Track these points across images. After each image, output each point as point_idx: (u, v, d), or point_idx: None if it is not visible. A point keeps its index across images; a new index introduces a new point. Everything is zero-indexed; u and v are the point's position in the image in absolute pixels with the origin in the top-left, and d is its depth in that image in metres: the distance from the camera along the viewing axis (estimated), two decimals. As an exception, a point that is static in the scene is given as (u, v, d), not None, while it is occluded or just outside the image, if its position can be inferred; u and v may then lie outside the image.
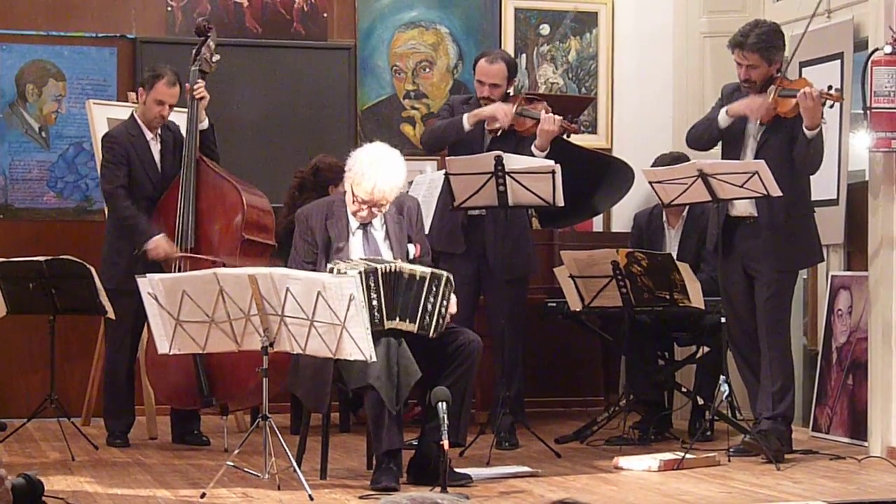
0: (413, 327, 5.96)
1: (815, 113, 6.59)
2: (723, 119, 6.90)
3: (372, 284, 5.83)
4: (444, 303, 6.01)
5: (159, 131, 7.41)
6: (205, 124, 7.41)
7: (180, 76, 7.38)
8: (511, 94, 7.47)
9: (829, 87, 6.60)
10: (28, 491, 5.35)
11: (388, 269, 5.91)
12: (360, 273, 5.74)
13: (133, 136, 7.35)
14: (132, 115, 7.43)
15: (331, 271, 5.85)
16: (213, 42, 7.47)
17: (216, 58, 7.47)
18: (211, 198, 7.31)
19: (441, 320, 6.01)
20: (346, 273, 5.74)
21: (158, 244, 7.18)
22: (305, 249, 6.24)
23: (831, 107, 6.72)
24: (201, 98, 7.37)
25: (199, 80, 7.39)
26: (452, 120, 7.40)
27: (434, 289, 5.99)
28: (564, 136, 7.42)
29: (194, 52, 7.47)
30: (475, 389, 8.00)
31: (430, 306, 5.98)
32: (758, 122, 6.83)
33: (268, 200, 7.45)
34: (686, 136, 7.19)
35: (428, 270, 6.01)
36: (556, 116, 7.18)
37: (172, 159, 7.39)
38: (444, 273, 6.05)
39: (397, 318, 5.93)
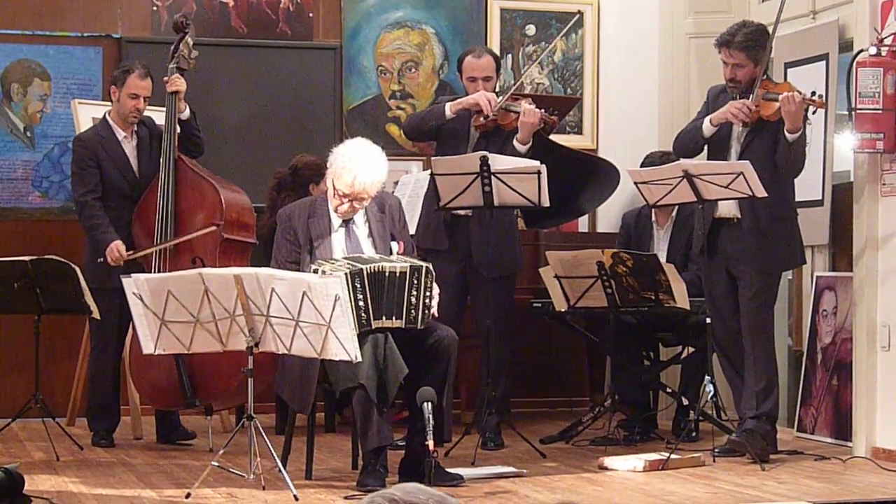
0: (401, 323, 5.95)
1: (797, 117, 6.60)
2: (707, 129, 6.92)
3: (358, 286, 5.82)
4: (427, 293, 6.00)
5: (135, 128, 7.37)
6: (186, 114, 7.35)
7: (151, 70, 7.35)
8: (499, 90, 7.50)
9: (813, 93, 6.61)
10: (8, 484, 5.34)
11: (373, 270, 5.90)
12: (346, 274, 5.73)
13: (103, 137, 7.33)
14: (104, 116, 7.41)
15: (315, 272, 5.84)
16: (191, 38, 7.42)
17: (195, 54, 7.43)
18: (190, 198, 7.27)
19: (427, 311, 6.01)
20: (331, 274, 5.73)
21: (111, 249, 7.16)
22: (289, 249, 6.23)
23: (814, 113, 6.74)
24: (175, 90, 7.29)
25: (175, 76, 7.34)
26: (434, 106, 7.44)
27: (416, 281, 5.98)
28: (544, 133, 7.42)
29: (172, 48, 7.42)
30: (460, 389, 8.03)
31: (413, 299, 5.97)
32: (741, 126, 6.85)
33: (247, 197, 7.43)
34: (672, 144, 7.22)
35: (407, 264, 6.01)
36: (537, 109, 7.17)
37: (149, 156, 7.36)
38: (423, 264, 6.05)
39: (383, 317, 5.93)
